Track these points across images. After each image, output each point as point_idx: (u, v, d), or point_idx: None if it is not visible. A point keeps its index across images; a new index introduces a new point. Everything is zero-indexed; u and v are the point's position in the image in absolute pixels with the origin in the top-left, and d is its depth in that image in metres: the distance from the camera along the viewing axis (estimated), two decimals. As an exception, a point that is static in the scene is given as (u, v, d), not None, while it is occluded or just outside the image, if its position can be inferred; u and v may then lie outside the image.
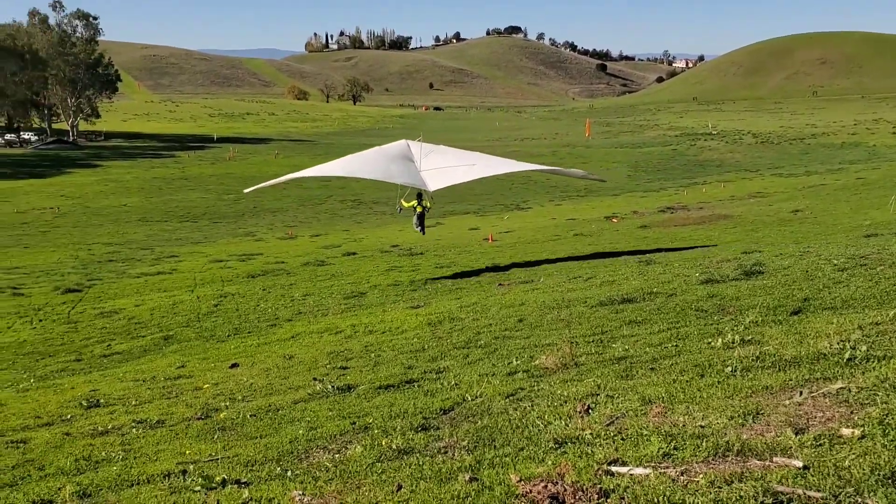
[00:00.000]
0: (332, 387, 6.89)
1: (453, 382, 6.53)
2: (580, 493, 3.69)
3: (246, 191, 20.40)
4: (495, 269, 17.79)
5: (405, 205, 18.13)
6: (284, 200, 45.64)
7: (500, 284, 14.71)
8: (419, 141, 18.45)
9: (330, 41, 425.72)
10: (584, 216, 32.65)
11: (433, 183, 16.92)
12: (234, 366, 9.46)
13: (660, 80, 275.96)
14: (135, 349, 12.33)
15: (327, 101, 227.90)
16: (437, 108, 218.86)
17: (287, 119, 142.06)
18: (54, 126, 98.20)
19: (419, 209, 18.24)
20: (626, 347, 6.89)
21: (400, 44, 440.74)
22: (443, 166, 17.68)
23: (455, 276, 17.20)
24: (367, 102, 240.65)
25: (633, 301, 9.58)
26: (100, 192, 48.36)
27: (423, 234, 19.00)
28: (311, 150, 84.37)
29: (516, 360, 7.03)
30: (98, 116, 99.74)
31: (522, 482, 3.91)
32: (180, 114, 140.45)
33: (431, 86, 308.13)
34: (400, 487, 4.17)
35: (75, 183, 53.01)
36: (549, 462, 4.14)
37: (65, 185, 52.02)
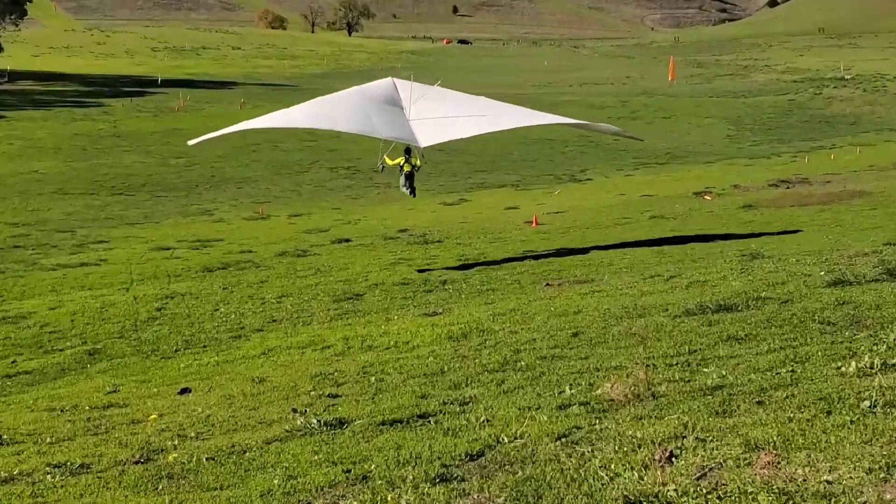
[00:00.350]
0: (319, 421, 6.94)
1: (483, 418, 6.56)
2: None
3: (190, 142, 20.65)
4: (541, 262, 17.79)
5: (389, 162, 18.94)
6: (254, 167, 45.93)
7: (547, 284, 14.77)
8: (410, 80, 19.10)
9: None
10: (666, 192, 32.48)
11: (425, 137, 17.69)
12: (184, 391, 9.56)
13: (772, 3, 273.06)
14: (49, 368, 12.49)
15: (312, 31, 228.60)
16: (462, 42, 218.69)
17: (258, 55, 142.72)
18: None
19: (406, 168, 19.15)
20: (724, 373, 6.89)
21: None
22: (439, 116, 18.36)
23: (485, 271, 17.23)
24: (366, 33, 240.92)
25: (733, 309, 9.57)
26: (2, 154, 48.91)
27: (414, 195, 19.96)
28: (290, 98, 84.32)
29: (570, 389, 7.06)
30: (1, 50, 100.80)
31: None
32: (112, 47, 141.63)
33: (456, 10, 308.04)
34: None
35: (-30, 141, 53.57)
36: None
37: (-44, 143, 52.61)
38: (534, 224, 24.77)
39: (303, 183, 42.19)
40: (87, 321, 15.11)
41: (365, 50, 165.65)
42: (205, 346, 12.93)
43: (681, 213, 24.92)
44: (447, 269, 18.11)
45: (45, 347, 13.67)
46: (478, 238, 22.87)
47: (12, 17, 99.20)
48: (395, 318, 13.06)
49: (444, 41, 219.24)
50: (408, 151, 18.90)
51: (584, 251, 18.90)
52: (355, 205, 35.30)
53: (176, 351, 12.82)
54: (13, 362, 12.90)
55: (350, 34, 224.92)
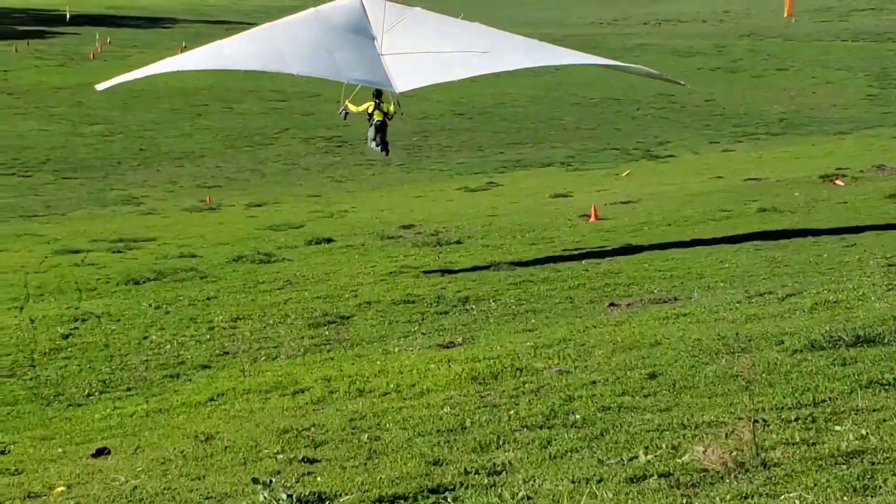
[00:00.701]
0: (290, 497, 6.93)
1: (522, 494, 6.53)
2: None
3: (99, 87, 21.25)
4: (602, 273, 17.72)
5: (353, 108, 19.92)
6: (199, 137, 46.04)
7: (611, 305, 14.74)
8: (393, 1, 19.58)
9: None
10: (780, 174, 32.30)
11: (403, 78, 18.35)
12: (100, 452, 9.56)
13: None
14: (-87, 417, 12.51)
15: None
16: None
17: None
18: None
19: (378, 116, 20.06)
20: (863, 433, 6.83)
21: None
22: (421, 50, 18.89)
23: (523, 285, 17.17)
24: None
25: (877, 342, 9.50)
26: None
27: (387, 154, 21.49)
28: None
29: (645, 454, 7.03)
30: None
31: None
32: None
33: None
34: None
35: None
36: None
37: None
38: (592, 218, 24.68)
39: (267, 160, 42.31)
40: (-35, 353, 15.14)
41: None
42: (129, 390, 12.91)
43: (801, 205, 24.75)
44: (470, 280, 18.06)
45: None
46: (513, 238, 22.82)
47: None
48: (396, 350, 13.00)
49: None
50: (378, 95, 19.65)
51: (665, 257, 18.79)
52: (340, 190, 35.36)
53: (89, 396, 12.81)
54: None
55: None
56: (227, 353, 14.37)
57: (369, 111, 19.86)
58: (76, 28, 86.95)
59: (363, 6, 19.61)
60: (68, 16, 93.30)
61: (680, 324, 12.14)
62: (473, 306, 15.86)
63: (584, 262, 19.02)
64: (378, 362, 12.08)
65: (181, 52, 71.46)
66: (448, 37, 19.81)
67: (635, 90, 60.20)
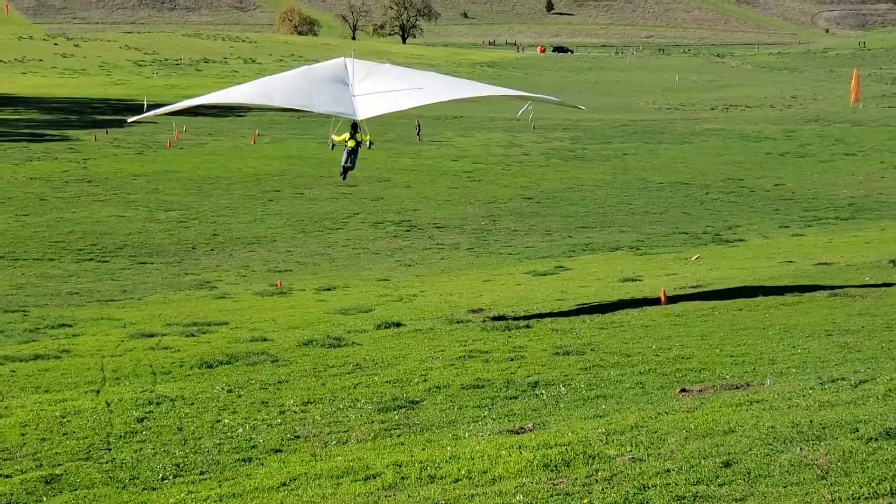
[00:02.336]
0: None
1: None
2: None
3: (130, 120, 27.01)
4: (673, 358, 17.57)
5: (336, 139, 25.42)
6: (270, 222, 46.59)
7: (682, 391, 14.59)
8: (353, 58, 25.20)
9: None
10: (850, 257, 32.02)
11: (365, 109, 23.44)
12: (172, 537, 9.59)
13: None
14: (-10, 499, 12.62)
15: (353, 37, 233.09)
16: (559, 50, 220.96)
17: (280, 69, 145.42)
18: None
19: (351, 143, 25.57)
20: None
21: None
22: (382, 90, 24.28)
23: (593, 370, 17.06)
24: (427, 39, 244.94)
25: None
26: (-66, 205, 50.33)
27: (344, 176, 27.09)
28: (323, 128, 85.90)
29: (721, 544, 6.91)
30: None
31: None
32: (82, 60, 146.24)
33: (551, 6, 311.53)
34: None
35: None
36: None
37: None
38: (662, 302, 24.56)
39: (336, 244, 42.63)
40: (43, 436, 15.26)
41: (425, 62, 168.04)
42: (202, 473, 12.94)
43: (873, 290, 24.49)
44: (539, 365, 17.99)
45: (-14, 472, 13.83)
46: (582, 322, 22.72)
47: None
48: (467, 435, 12.95)
49: (539, 49, 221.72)
50: (354, 128, 25.01)
51: (736, 342, 18.62)
52: (409, 274, 35.47)
53: (163, 479, 12.85)
54: (-59, 492, 13.07)
55: (405, 41, 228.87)
56: (299, 436, 14.36)
57: (346, 140, 25.20)
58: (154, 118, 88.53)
59: (345, 66, 24.67)
60: (146, 105, 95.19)
61: (753, 410, 12.00)
62: (543, 391, 15.77)
63: (654, 346, 18.89)
64: (449, 448, 12.03)
65: (254, 140, 73.24)
66: (403, 80, 25.24)
67: (704, 175, 60.21)
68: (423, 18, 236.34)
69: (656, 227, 44.68)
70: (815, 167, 63.55)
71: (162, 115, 27.49)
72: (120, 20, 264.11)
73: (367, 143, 25.78)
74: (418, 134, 77.87)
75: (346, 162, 26.21)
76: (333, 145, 25.66)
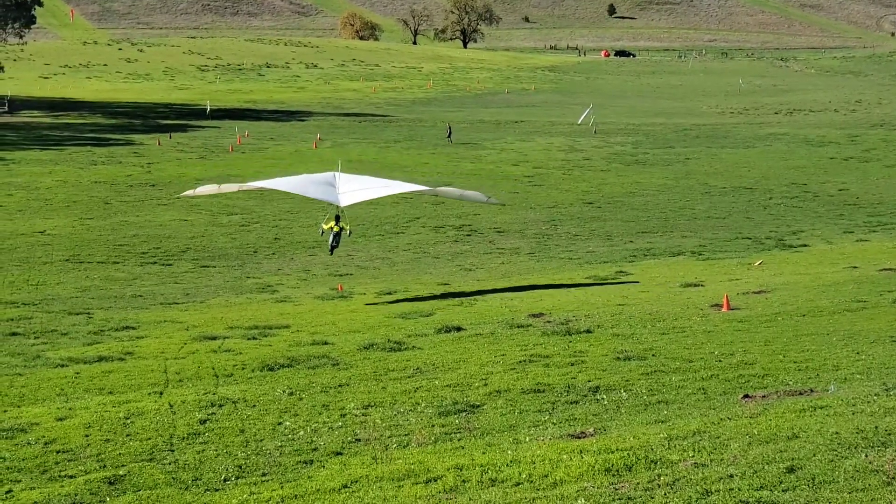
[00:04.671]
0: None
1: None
2: None
3: (179, 196, 37.11)
4: (736, 364, 17.44)
5: (325, 226, 32.94)
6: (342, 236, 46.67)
7: (745, 396, 14.48)
8: (341, 172, 33.45)
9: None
10: (917, 263, 31.66)
11: (345, 199, 31.53)
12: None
13: None
14: (56, 500, 12.77)
15: (414, 42, 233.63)
16: (622, 54, 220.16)
17: (341, 75, 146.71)
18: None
19: (336, 228, 32.81)
20: None
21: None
22: (359, 188, 33.28)
23: (655, 375, 16.98)
24: (488, 43, 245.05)
25: None
26: None
27: (331, 253, 34.11)
28: (383, 132, 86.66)
29: (785, 550, 6.85)
30: None
31: None
32: (146, 65, 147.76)
33: (612, 10, 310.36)
34: None
35: (-41, 191, 56.16)
36: None
37: (-58, 194, 55.19)
38: (724, 308, 24.37)
39: (397, 248, 42.71)
40: (107, 437, 15.44)
41: (486, 66, 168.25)
42: (264, 475, 13.03)
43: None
44: (600, 370, 17.93)
45: (51, 472, 13.98)
46: (643, 327, 22.61)
47: (16, 25, 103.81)
48: (527, 440, 12.93)
49: (603, 53, 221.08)
50: (337, 219, 32.54)
51: (799, 348, 18.45)
52: (470, 278, 35.45)
53: (225, 480, 12.96)
54: (8, 492, 13.23)
55: (466, 45, 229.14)
56: (359, 439, 14.42)
57: (332, 227, 32.52)
58: (216, 122, 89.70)
59: (335, 175, 32.79)
60: (209, 110, 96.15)
61: (817, 416, 11.89)
62: (604, 396, 15.72)
63: (716, 352, 18.76)
64: (509, 452, 12.02)
65: (316, 145, 73.73)
66: (374, 182, 35.21)
67: (767, 179, 59.73)
68: (484, 23, 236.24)
69: (719, 233, 44.34)
70: (879, 172, 62.81)
71: (205, 195, 38.73)
72: (183, 25, 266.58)
73: (348, 231, 33.05)
74: (449, 136, 78.20)
75: (332, 242, 33.30)
76: (323, 231, 33.16)
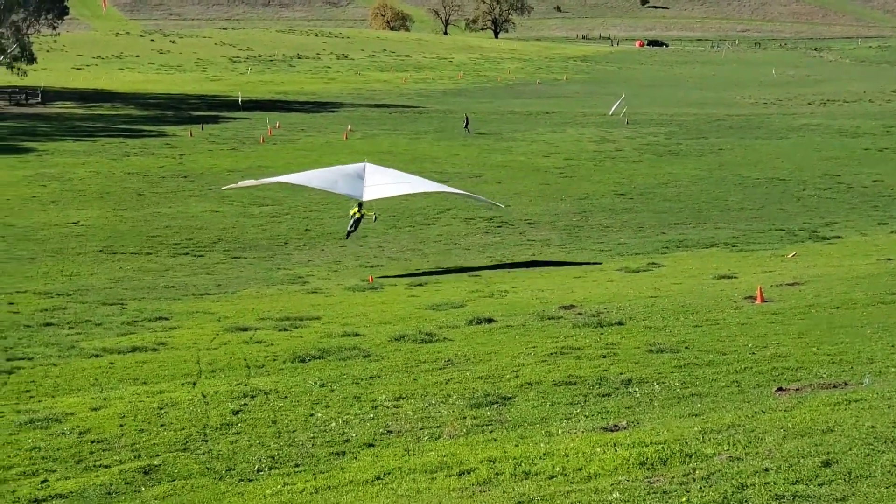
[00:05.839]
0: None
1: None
2: None
3: (224, 188, 42.96)
4: (769, 356, 17.37)
5: (351, 212, 36.85)
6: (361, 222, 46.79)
7: (779, 389, 14.44)
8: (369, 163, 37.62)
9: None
10: (953, 256, 31.47)
11: (369, 194, 35.51)
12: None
13: None
14: (91, 490, 12.87)
15: (445, 32, 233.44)
16: (654, 44, 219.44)
17: (371, 66, 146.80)
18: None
19: (357, 214, 36.39)
20: None
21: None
22: (384, 182, 36.68)
23: (688, 367, 16.94)
24: (519, 33, 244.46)
25: None
26: (31, 199, 51.53)
27: (347, 237, 38.74)
28: (414, 123, 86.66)
29: (821, 545, 6.83)
30: (32, 61, 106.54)
31: None
32: (178, 56, 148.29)
33: (645, 0, 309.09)
34: None
35: (-8, 182, 56.60)
36: None
37: (-25, 185, 55.63)
38: (758, 300, 24.26)
39: (428, 239, 42.77)
40: (141, 427, 15.54)
41: (517, 56, 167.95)
42: (297, 466, 13.09)
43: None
44: (632, 362, 17.89)
45: (86, 462, 14.10)
46: (676, 319, 22.53)
47: (48, 16, 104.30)
48: (560, 432, 12.93)
49: (638, 43, 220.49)
50: (360, 205, 36.14)
51: (833, 341, 18.36)
52: (501, 270, 35.46)
53: (258, 471, 13.03)
54: (43, 482, 13.35)
55: (497, 35, 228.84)
56: (391, 431, 14.46)
57: (355, 212, 36.44)
58: (248, 113, 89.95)
59: (364, 167, 36.75)
60: (240, 101, 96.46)
61: (852, 410, 11.83)
62: (637, 389, 15.68)
63: (750, 344, 18.69)
64: (542, 444, 12.03)
65: (346, 136, 73.90)
66: (398, 178, 38.90)
67: (801, 170, 59.42)
68: (515, 13, 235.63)
69: (752, 224, 44.16)
70: (914, 163, 62.39)
71: (248, 187, 44.37)
72: (215, 16, 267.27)
73: (373, 216, 36.81)
74: (466, 126, 78.22)
75: (350, 227, 37.05)
76: (352, 215, 37.05)
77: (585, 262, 36.47)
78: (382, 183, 36.42)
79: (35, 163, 62.88)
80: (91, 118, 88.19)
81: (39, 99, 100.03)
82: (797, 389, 14.25)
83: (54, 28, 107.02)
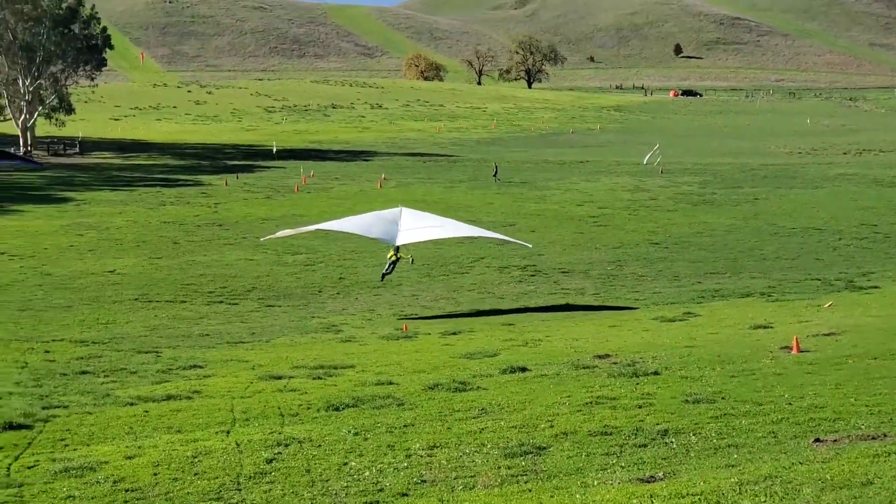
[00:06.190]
0: None
1: None
2: None
3: (262, 239, 44.01)
4: (806, 407, 17.22)
5: (388, 255, 38.18)
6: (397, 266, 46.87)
7: (816, 440, 14.29)
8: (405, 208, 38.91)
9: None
10: None
11: (402, 238, 36.96)
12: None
13: None
14: (123, 537, 12.88)
15: (479, 82, 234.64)
16: (689, 93, 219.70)
17: (405, 115, 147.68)
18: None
19: (394, 257, 37.72)
20: None
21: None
22: (419, 226, 37.94)
23: (724, 418, 16.81)
24: (553, 83, 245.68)
25: None
26: (68, 248, 51.92)
27: (382, 279, 39.87)
28: (448, 172, 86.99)
29: None
30: (71, 112, 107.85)
31: None
32: (214, 107, 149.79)
33: (679, 50, 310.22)
34: None
35: (26, 230, 57.29)
36: None
37: (8, 233, 56.29)
38: (794, 350, 24.09)
39: (462, 288, 42.73)
40: (175, 476, 15.54)
41: (551, 106, 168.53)
42: (330, 516, 13.04)
43: None
44: (668, 412, 17.77)
45: (119, 511, 14.11)
46: (712, 369, 22.39)
47: (87, 68, 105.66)
48: (595, 483, 12.83)
49: (672, 93, 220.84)
50: (396, 249, 37.42)
51: (871, 392, 18.19)
52: (534, 319, 35.37)
53: (291, 521, 12.98)
54: (76, 530, 13.36)
55: (531, 85, 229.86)
56: (425, 480, 14.39)
57: (392, 256, 37.69)
58: (282, 162, 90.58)
59: (401, 211, 38.25)
60: (275, 150, 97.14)
61: (892, 462, 11.69)
62: (673, 439, 15.56)
63: (786, 395, 18.54)
64: (578, 495, 11.95)
65: (380, 184, 74.23)
66: (433, 222, 39.73)
67: (837, 220, 59.14)
68: (549, 63, 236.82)
69: (788, 273, 43.92)
70: (954, 213, 61.99)
71: (287, 236, 45.77)
72: (251, 67, 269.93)
73: (410, 258, 38.24)
74: (496, 175, 78.69)
75: (387, 269, 38.42)
76: (389, 257, 38.32)
77: (621, 305, 36.35)
78: (416, 227, 37.71)
79: (73, 212, 63.47)
80: (128, 168, 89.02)
81: (77, 149, 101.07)
82: (835, 441, 14.10)
83: (92, 79, 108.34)
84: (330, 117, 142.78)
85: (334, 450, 16.54)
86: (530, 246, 45.80)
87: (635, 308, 37.23)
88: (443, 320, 35.47)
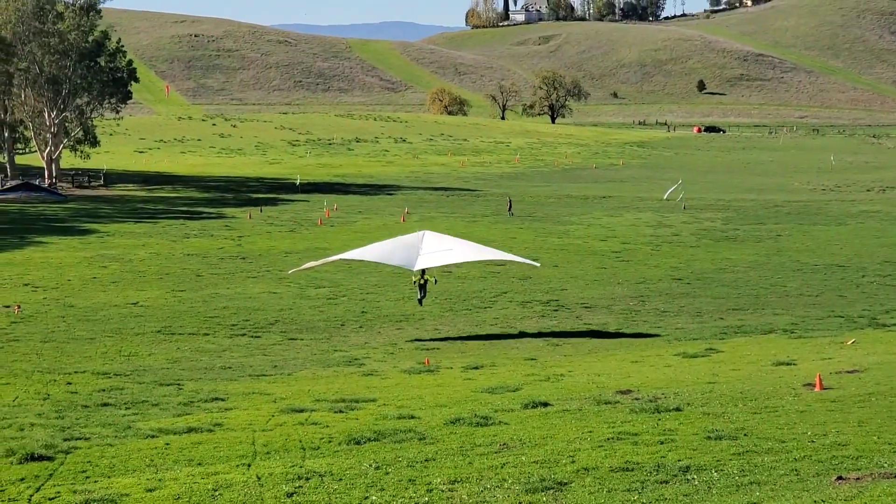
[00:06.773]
0: None
1: None
2: None
3: (290, 272, 46.42)
4: (829, 444, 17.13)
5: (413, 279, 41.67)
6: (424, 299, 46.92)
7: (839, 478, 14.22)
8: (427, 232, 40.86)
9: (511, 7, 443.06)
10: None
11: (420, 263, 39.11)
12: None
13: None
14: (144, 570, 12.89)
15: (503, 117, 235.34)
16: (711, 130, 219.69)
17: (429, 150, 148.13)
18: (19, 160, 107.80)
19: (421, 280, 41.04)
20: None
21: (642, 10, 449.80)
22: (436, 251, 39.52)
23: (746, 455, 16.74)
24: (576, 118, 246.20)
25: None
26: (92, 280, 52.17)
27: (420, 304, 42.61)
28: (471, 206, 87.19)
29: None
30: (96, 144, 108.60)
31: None
32: (238, 140, 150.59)
33: (702, 86, 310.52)
34: None
35: (50, 262, 57.61)
36: None
37: (32, 265, 56.63)
38: (817, 387, 23.99)
39: (484, 322, 42.70)
40: (195, 509, 15.56)
41: (574, 141, 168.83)
42: (351, 551, 13.02)
43: None
44: (690, 449, 17.71)
45: (140, 543, 14.13)
46: (734, 406, 22.31)
47: (112, 100, 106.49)
48: (616, 519, 12.80)
49: (696, 129, 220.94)
50: (423, 272, 40.45)
51: (894, 430, 18.08)
52: (556, 354, 35.33)
53: (312, 556, 12.96)
54: (97, 562, 13.37)
55: (554, 121, 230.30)
56: (446, 516, 14.36)
57: (417, 279, 41.09)
58: (306, 195, 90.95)
59: (423, 236, 40.12)
60: (299, 183, 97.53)
61: (916, 503, 11.64)
62: (695, 476, 15.50)
63: (809, 432, 18.45)
64: (598, 531, 11.90)
65: (404, 218, 74.42)
66: (452, 244, 41.09)
67: (860, 257, 58.96)
68: (572, 98, 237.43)
69: (811, 310, 43.76)
70: (979, 252, 61.70)
71: (315, 267, 46.72)
72: (276, 101, 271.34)
73: (433, 280, 41.75)
74: (510, 209, 79.19)
75: (420, 294, 41.95)
76: (415, 282, 42.16)
77: (643, 333, 36.27)
78: (435, 251, 39.70)
79: (96, 244, 63.81)
80: (152, 200, 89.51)
81: (102, 181, 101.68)
82: (857, 479, 14.03)
83: (117, 112, 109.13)
84: (354, 151, 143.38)
85: (355, 484, 16.53)
86: (538, 265, 47.50)
87: (657, 339, 37.18)
88: (465, 355, 35.47)
